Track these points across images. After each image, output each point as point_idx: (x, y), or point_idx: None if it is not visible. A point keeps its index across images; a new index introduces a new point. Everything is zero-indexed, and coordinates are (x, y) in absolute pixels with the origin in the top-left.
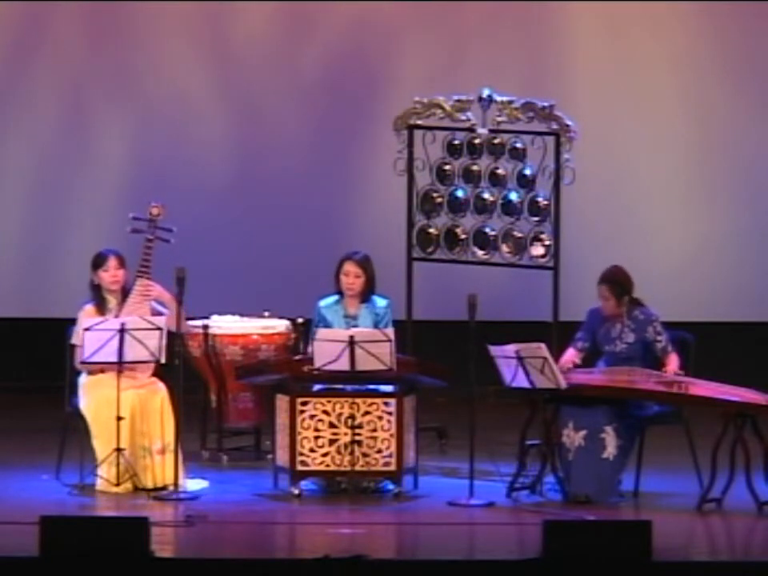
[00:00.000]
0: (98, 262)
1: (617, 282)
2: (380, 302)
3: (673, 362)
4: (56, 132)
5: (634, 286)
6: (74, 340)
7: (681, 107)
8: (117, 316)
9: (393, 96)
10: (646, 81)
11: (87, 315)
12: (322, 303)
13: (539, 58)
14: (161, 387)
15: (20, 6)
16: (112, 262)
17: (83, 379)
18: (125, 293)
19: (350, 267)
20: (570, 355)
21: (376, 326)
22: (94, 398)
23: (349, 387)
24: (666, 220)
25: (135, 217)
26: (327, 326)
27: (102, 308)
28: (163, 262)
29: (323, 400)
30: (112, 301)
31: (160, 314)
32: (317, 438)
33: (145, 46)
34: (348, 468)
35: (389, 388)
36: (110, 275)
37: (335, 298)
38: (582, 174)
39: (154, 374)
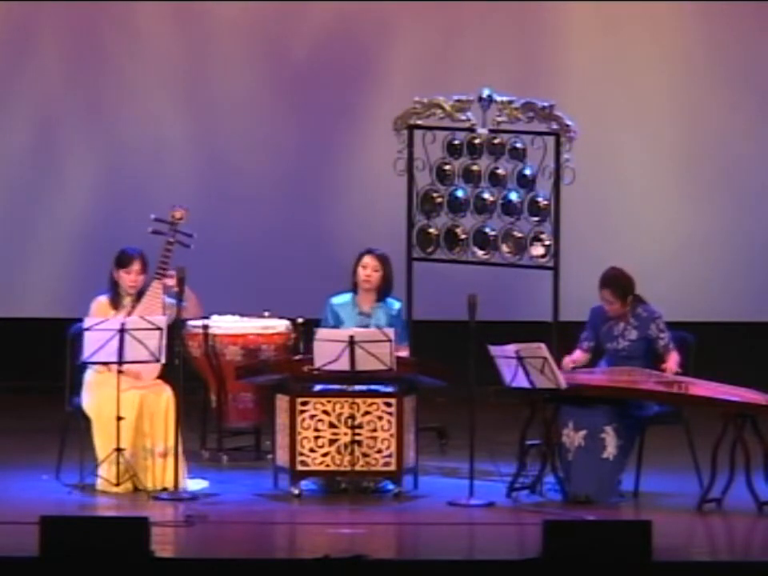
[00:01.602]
0: (123, 261)
1: (618, 284)
2: (395, 304)
3: (672, 359)
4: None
5: (635, 284)
6: None
7: (676, 107)
8: (129, 314)
9: (393, 96)
10: (639, 80)
11: (98, 308)
12: (335, 300)
13: (535, 58)
14: (166, 389)
15: None
16: (136, 265)
17: (88, 376)
18: (140, 293)
19: (369, 260)
20: (576, 356)
21: (391, 327)
22: (98, 396)
23: (349, 387)
24: (661, 219)
25: (157, 218)
26: (339, 322)
27: (116, 303)
28: None
29: (323, 400)
30: (127, 298)
31: (173, 308)
32: (317, 438)
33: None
34: (348, 468)
35: (389, 388)
36: (131, 279)
37: (348, 296)
38: (579, 173)
39: (160, 377)
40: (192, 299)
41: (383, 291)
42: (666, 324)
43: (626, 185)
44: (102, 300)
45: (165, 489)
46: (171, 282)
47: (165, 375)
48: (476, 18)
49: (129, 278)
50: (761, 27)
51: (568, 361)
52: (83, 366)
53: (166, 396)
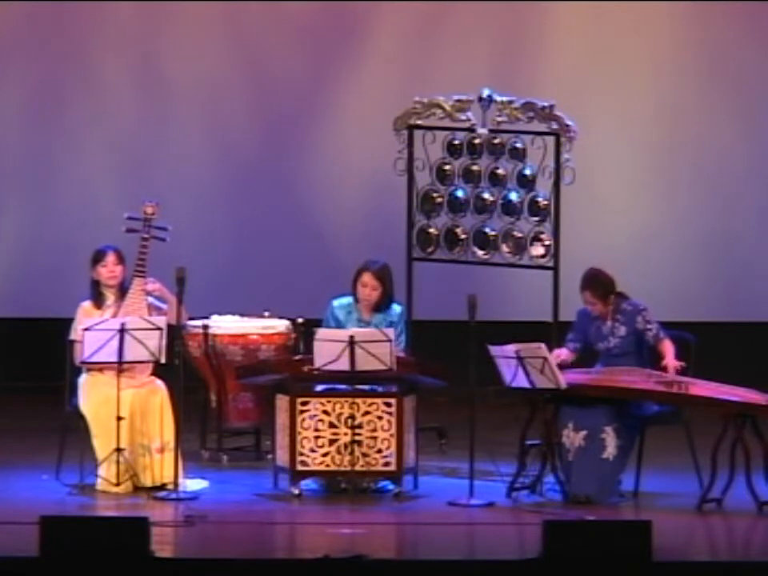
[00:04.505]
0: (97, 257)
1: (598, 285)
2: (396, 308)
3: (669, 352)
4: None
5: (615, 282)
6: (73, 336)
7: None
8: (115, 313)
9: (393, 96)
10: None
11: (85, 312)
12: (336, 303)
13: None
14: (160, 386)
15: None
16: (110, 257)
17: (82, 379)
18: (123, 290)
19: (367, 279)
20: (563, 353)
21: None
22: (94, 397)
23: (349, 387)
24: (660, 219)
25: (130, 216)
26: (340, 326)
27: (99, 304)
28: (163, 262)
29: (323, 400)
30: (110, 297)
31: (159, 310)
32: (317, 437)
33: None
34: (348, 468)
35: (389, 388)
36: (108, 270)
37: (350, 299)
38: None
39: (153, 374)
40: (172, 303)
41: (384, 303)
42: (652, 315)
43: (621, 185)
44: (86, 305)
45: (164, 485)
46: (151, 287)
47: (158, 372)
48: (472, 18)
49: (106, 271)
50: (749, 30)
51: (557, 354)
52: (80, 368)
53: (160, 393)
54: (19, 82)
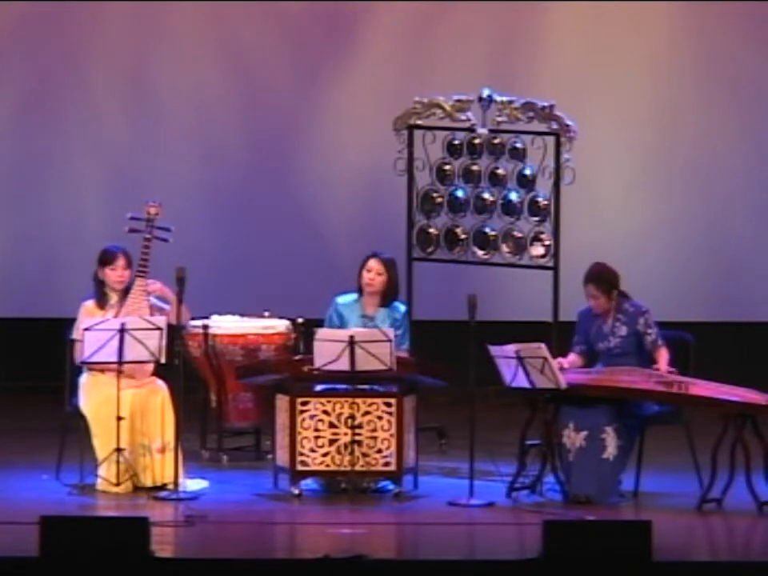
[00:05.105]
0: (107, 259)
1: (603, 279)
2: (400, 307)
3: (663, 358)
4: (45, 126)
5: (619, 277)
6: (75, 335)
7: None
8: (117, 313)
9: (392, 96)
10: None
11: (87, 311)
12: (340, 300)
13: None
14: (161, 386)
15: None
16: (120, 261)
17: (83, 379)
18: (125, 290)
19: (373, 264)
20: (571, 359)
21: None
22: (94, 397)
23: (349, 387)
24: (658, 219)
25: (133, 216)
26: (343, 323)
27: (102, 303)
28: (163, 262)
29: (323, 400)
30: (113, 297)
31: (161, 311)
32: (317, 437)
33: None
34: (348, 468)
35: (389, 388)
36: (117, 275)
37: (354, 296)
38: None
39: (153, 374)
40: (173, 303)
41: (388, 296)
42: (653, 320)
43: (620, 185)
44: (88, 304)
45: (164, 485)
46: (153, 287)
47: (159, 373)
48: (471, 18)
49: (115, 275)
50: (747, 30)
51: (560, 362)
52: (80, 368)
53: (161, 393)
54: (14, 84)
